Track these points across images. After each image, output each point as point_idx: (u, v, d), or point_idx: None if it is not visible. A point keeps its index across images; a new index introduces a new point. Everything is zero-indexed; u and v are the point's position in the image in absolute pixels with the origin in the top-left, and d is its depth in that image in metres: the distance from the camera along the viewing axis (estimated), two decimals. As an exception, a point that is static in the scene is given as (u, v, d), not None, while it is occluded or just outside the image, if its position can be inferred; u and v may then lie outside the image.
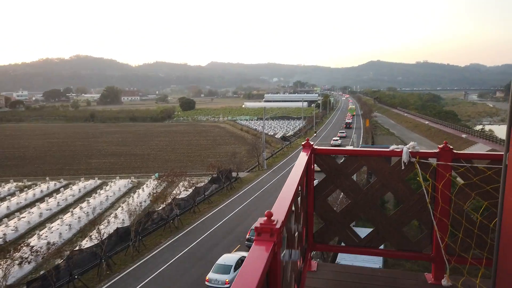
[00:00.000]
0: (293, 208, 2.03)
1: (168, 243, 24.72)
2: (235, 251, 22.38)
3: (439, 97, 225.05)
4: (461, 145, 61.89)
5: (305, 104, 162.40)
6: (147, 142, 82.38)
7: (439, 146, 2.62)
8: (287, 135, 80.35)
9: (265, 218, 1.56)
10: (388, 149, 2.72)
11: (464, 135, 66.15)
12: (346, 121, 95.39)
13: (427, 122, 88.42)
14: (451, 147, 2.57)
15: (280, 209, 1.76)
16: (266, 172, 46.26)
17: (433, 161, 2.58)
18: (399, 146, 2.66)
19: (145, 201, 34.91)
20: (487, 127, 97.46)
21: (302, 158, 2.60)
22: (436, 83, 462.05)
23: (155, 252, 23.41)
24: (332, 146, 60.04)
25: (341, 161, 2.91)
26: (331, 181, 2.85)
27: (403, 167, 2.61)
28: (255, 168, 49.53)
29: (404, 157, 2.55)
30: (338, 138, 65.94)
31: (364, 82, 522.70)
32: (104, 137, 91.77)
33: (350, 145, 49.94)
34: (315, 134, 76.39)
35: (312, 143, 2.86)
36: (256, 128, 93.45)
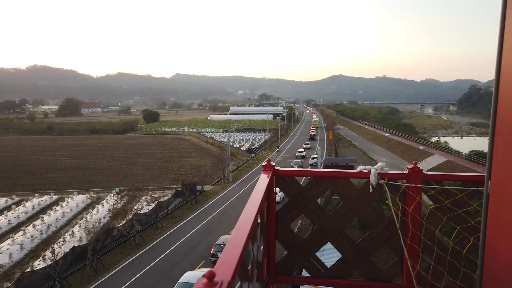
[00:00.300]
0: (250, 244, 1.76)
1: (128, 261, 23.60)
2: (199, 268, 21.70)
3: (397, 110, 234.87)
4: (419, 156, 64.44)
5: (270, 116, 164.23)
6: (108, 155, 79.55)
7: (408, 166, 2.45)
8: (252, 147, 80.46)
9: (205, 280, 1.16)
10: (355, 171, 2.53)
11: (421, 147, 68.99)
12: (310, 133, 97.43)
13: (386, 134, 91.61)
14: (421, 168, 2.41)
15: (226, 264, 1.38)
16: (232, 184, 45.81)
17: (403, 183, 2.43)
18: (367, 167, 2.48)
19: (104, 217, 33.38)
20: (442, 139, 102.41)
21: (263, 181, 2.35)
22: (395, 97, 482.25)
23: (114, 271, 22.26)
24: (297, 157, 61.31)
25: (309, 181, 2.68)
26: (294, 205, 2.62)
27: (371, 190, 2.43)
28: (220, 181, 48.93)
29: (372, 179, 2.37)
30: (303, 150, 67.38)
31: (327, 95, 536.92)
32: (62, 150, 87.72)
33: (315, 155, 50.11)
34: (277, 149, 75.74)
35: (273, 163, 2.61)
36: (221, 141, 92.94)
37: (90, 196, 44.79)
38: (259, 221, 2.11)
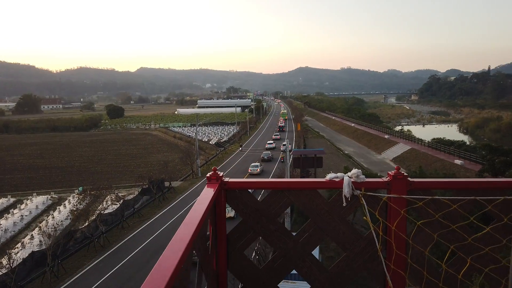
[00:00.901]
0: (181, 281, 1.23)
1: (92, 265, 22.51)
2: (167, 268, 21.02)
3: (362, 101, 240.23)
4: (384, 145, 66.07)
5: (239, 109, 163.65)
6: (70, 153, 76.23)
7: (390, 172, 1.97)
8: (221, 141, 79.61)
9: None
10: (324, 180, 2.03)
11: (386, 136, 70.73)
12: (279, 125, 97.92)
13: (353, 125, 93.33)
14: (405, 173, 1.94)
15: None
16: (201, 180, 44.98)
17: (383, 193, 1.97)
18: (338, 174, 1.98)
19: (66, 219, 31.80)
20: (405, 128, 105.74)
21: (206, 197, 1.81)
22: (359, 88, 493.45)
23: (77, 276, 21.15)
24: (267, 149, 60.15)
25: (268, 194, 2.13)
26: (249, 226, 2.09)
27: (344, 203, 1.94)
28: (189, 177, 48.00)
29: (346, 190, 1.87)
30: (272, 141, 67.02)
31: (294, 87, 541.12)
32: (19, 149, 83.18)
33: (284, 143, 48.96)
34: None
35: (221, 173, 2.04)
36: (189, 135, 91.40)
37: (51, 197, 42.64)
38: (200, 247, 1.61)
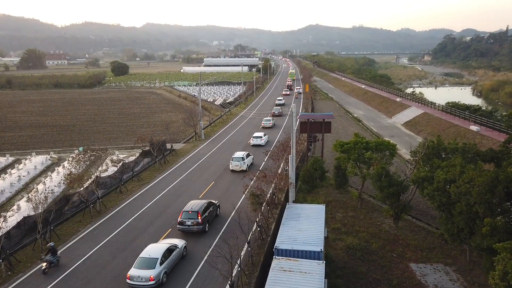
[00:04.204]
0: None
1: (86, 232, 21.55)
2: (164, 238, 19.94)
3: (373, 61, 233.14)
4: (395, 108, 63.55)
5: (246, 68, 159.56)
6: (72, 111, 74.90)
7: None
8: (227, 101, 77.41)
9: None
10: None
11: (398, 99, 67.94)
12: (287, 84, 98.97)
13: (363, 86, 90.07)
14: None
15: None
16: (204, 142, 43.55)
17: None
18: None
19: (60, 184, 30.79)
20: (417, 90, 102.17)
21: None
22: (371, 48, 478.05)
23: (70, 244, 20.21)
24: (276, 105, 66.55)
25: None
26: None
27: None
28: (192, 138, 46.51)
29: None
30: (282, 98, 72.98)
31: (303, 46, 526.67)
32: (22, 106, 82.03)
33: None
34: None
35: None
36: (195, 94, 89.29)
37: (51, 157, 41.70)
38: None
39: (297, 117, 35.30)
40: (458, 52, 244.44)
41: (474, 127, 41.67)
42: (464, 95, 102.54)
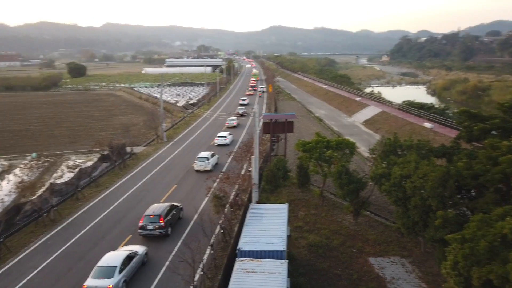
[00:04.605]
0: None
1: (40, 242, 20.46)
2: (123, 246, 19.30)
3: (334, 62, 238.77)
4: (355, 108, 65.34)
5: (209, 69, 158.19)
6: (25, 115, 71.14)
7: None
8: (190, 102, 76.45)
9: None
10: None
11: (357, 98, 69.91)
12: (250, 84, 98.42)
13: (325, 86, 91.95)
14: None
15: None
16: (166, 145, 42.70)
17: None
18: None
19: (11, 193, 29.09)
20: (376, 89, 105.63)
21: None
22: (332, 48, 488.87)
23: (22, 255, 19.11)
24: (240, 105, 66.44)
25: None
26: None
27: None
28: (153, 141, 45.48)
29: None
30: (246, 98, 73.63)
31: (267, 46, 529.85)
32: (-31, 111, 76.83)
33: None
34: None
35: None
36: (156, 96, 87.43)
37: (1, 164, 39.29)
38: None
39: (260, 118, 35.41)
40: (414, 53, 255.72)
41: (428, 125, 43.63)
42: (419, 94, 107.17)
